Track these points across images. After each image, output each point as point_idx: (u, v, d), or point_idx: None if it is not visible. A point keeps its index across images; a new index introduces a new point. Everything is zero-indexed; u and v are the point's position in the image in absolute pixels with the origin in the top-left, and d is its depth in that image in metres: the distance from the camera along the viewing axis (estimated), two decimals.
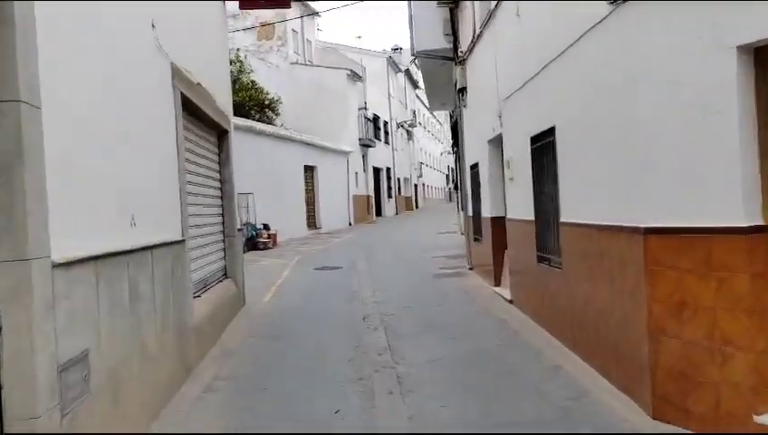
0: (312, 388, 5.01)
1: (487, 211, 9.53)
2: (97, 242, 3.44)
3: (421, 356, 5.82)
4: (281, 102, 22.98)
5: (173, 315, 5.01)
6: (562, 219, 5.66)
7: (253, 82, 21.78)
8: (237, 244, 8.79)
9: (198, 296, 6.50)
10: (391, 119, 38.18)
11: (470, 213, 11.62)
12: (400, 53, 45.42)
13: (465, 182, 11.90)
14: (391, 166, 37.70)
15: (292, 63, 27.63)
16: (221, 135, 8.55)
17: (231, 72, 20.00)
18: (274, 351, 6.31)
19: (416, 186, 48.77)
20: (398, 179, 40.26)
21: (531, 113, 6.63)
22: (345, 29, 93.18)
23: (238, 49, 21.90)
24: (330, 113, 27.35)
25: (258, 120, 20.72)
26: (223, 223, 8.48)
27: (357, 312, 8.21)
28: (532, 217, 6.77)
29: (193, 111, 6.64)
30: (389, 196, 37.06)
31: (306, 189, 23.40)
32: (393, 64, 39.26)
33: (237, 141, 17.98)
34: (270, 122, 21.98)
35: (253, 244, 17.50)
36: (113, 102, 3.93)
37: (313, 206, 24.14)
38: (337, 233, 23.78)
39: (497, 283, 9.24)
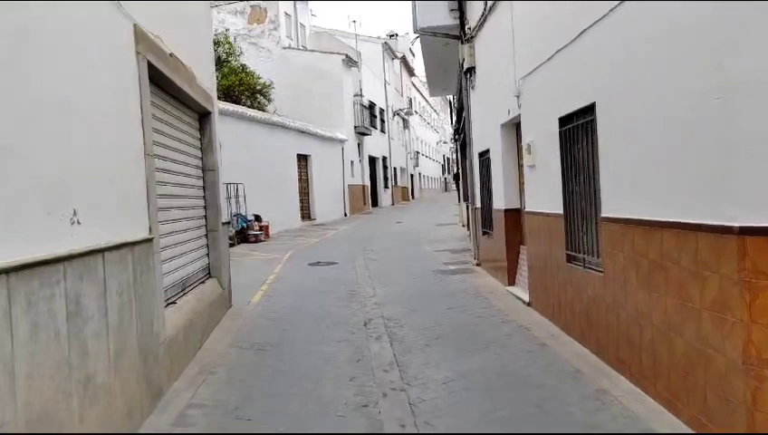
0: (307, 417, 4.12)
1: (500, 203, 8.63)
2: (11, 249, 2.51)
3: (435, 375, 4.92)
4: (273, 88, 21.93)
5: (136, 332, 4.09)
6: (604, 214, 4.76)
7: (243, 65, 20.72)
8: (223, 239, 7.86)
9: (173, 303, 5.59)
10: (387, 106, 37.17)
11: (477, 205, 10.72)
12: (396, 39, 44.33)
13: (472, 171, 10.98)
14: (387, 155, 36.73)
15: (284, 48, 26.55)
16: (203, 117, 7.59)
17: (218, 54, 18.97)
18: (262, 367, 5.41)
19: (412, 175, 47.83)
20: (395, 169, 39.31)
21: (560, 90, 5.71)
22: (340, 14, 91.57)
23: (227, 29, 20.80)
24: (324, 100, 26.34)
25: (249, 107, 19.71)
26: (206, 216, 7.54)
27: (357, 315, 7.31)
28: (559, 210, 5.87)
29: (165, 86, 5.69)
30: (386, 186, 36.12)
31: (300, 179, 22.45)
32: (389, 50, 38.18)
33: (226, 128, 17.00)
34: (262, 109, 20.97)
35: (243, 236, 16.57)
36: (47, 65, 2.99)
37: (307, 196, 23.19)
38: (332, 224, 22.85)
39: (511, 282, 8.36)
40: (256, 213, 17.70)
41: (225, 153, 17.08)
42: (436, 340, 6.03)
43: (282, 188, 20.30)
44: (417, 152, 50.83)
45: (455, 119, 19.50)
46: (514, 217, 8.33)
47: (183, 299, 6.00)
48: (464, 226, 18.49)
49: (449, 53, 12.55)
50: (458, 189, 38.49)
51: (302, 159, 22.83)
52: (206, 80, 7.43)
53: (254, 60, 24.22)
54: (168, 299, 5.41)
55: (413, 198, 46.90)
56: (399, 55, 42.06)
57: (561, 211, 5.82)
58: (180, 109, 6.63)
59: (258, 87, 21.00)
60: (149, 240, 4.53)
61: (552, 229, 6.12)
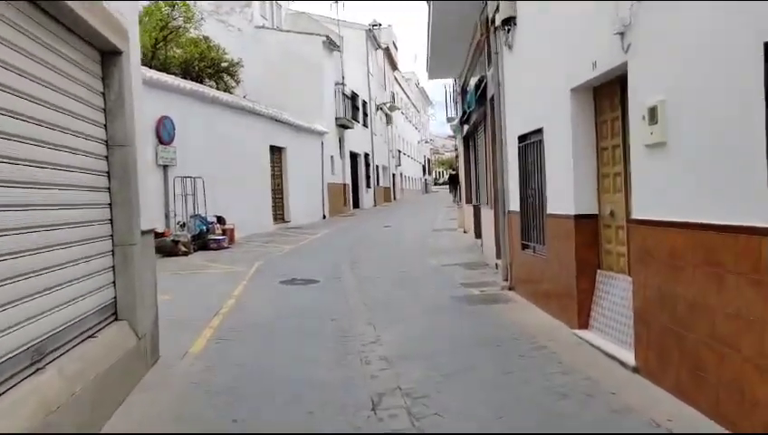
0: None
1: (563, 205, 5.86)
2: None
3: None
4: (241, 66, 18.86)
5: None
6: None
7: (206, 38, 17.63)
8: (144, 257, 4.93)
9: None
10: (371, 99, 34.32)
11: (511, 207, 7.94)
12: (380, 29, 41.52)
13: (503, 163, 8.20)
14: (370, 151, 33.87)
15: (257, 27, 23.52)
16: (109, 59, 4.65)
17: (172, 17, 16.00)
18: None
19: (393, 175, 45.04)
20: (377, 167, 36.47)
21: None
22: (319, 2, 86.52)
23: None
24: (302, 87, 23.38)
25: (215, 89, 16.67)
26: (111, 221, 4.63)
27: (357, 385, 4.46)
28: (744, 219, 3.11)
29: None
30: (368, 185, 33.26)
31: (273, 175, 19.46)
32: (373, 39, 35.35)
33: (183, 111, 13.96)
34: (228, 91, 17.94)
35: (202, 243, 13.57)
36: None
37: (281, 195, 20.21)
38: (309, 228, 19.91)
39: (583, 323, 5.58)
40: (219, 214, 14.70)
41: (181, 141, 14.08)
42: None
43: (251, 185, 17.31)
44: (400, 151, 48.11)
45: (458, 105, 16.78)
46: (589, 227, 5.57)
47: (43, 375, 3.11)
48: (466, 232, 15.78)
49: (461, 22, 9.90)
50: (455, 190, 35.96)
51: (276, 152, 19.85)
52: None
53: (222, 39, 21.14)
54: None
55: (395, 199, 44.13)
56: (384, 46, 39.25)
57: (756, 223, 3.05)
58: (58, 37, 3.73)
59: (224, 64, 17.89)
60: None
61: (714, 254, 3.36)
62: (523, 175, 7.37)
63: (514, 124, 7.67)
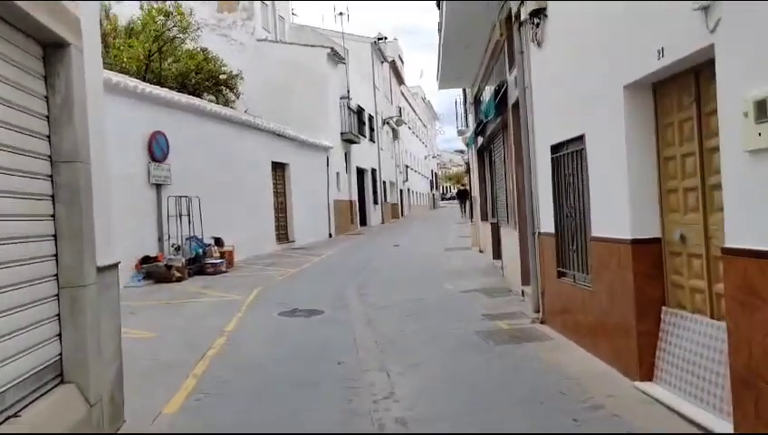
0: None
1: (615, 227, 4.83)
2: None
3: None
4: (241, 78, 18.00)
5: None
6: None
7: (204, 50, 16.79)
8: (99, 300, 3.93)
9: None
10: (377, 113, 33.47)
11: (541, 228, 6.93)
12: (385, 43, 40.83)
13: (531, 177, 7.19)
14: (377, 167, 32.95)
15: (259, 40, 22.76)
16: (51, 52, 3.70)
17: (167, 27, 15.18)
18: None
19: (401, 191, 44.11)
20: (384, 183, 35.53)
21: None
22: (324, 11, 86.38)
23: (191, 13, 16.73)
24: (306, 101, 22.54)
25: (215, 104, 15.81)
26: (56, 257, 3.65)
27: None
28: None
29: None
30: (375, 201, 32.28)
31: (276, 193, 18.53)
32: (378, 52, 34.60)
33: (177, 125, 13.07)
34: (228, 105, 17.08)
35: (199, 267, 12.58)
36: None
37: (284, 213, 19.25)
38: (315, 248, 18.91)
39: (646, 373, 4.53)
40: (217, 235, 13.74)
41: (176, 158, 13.17)
42: None
43: (252, 204, 16.37)
44: (407, 166, 47.22)
45: (468, 117, 15.85)
46: (651, 254, 4.54)
47: None
48: (482, 251, 14.75)
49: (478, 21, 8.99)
50: (464, 206, 34.89)
51: (279, 169, 18.93)
52: None
53: (223, 53, 20.35)
54: None
55: (402, 215, 43.15)
56: (390, 59, 38.53)
57: None
58: None
59: (222, 76, 17.01)
60: None
61: None
62: (557, 191, 6.36)
63: (545, 132, 6.67)
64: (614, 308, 4.92)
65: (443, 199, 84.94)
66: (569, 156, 5.94)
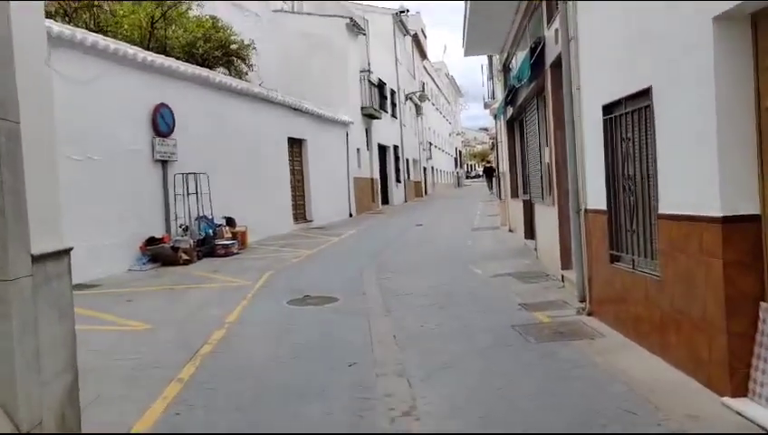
0: None
1: (696, 199, 3.81)
2: None
3: None
4: (253, 48, 17.01)
5: None
6: None
7: (213, 18, 15.81)
8: (37, 299, 3.07)
9: None
10: (399, 88, 32.26)
11: (589, 204, 5.90)
12: (407, 16, 39.40)
13: (574, 146, 6.14)
14: (399, 144, 31.84)
15: (275, 11, 21.73)
16: None
17: None
18: None
19: (424, 169, 42.94)
20: (407, 160, 34.43)
21: None
22: None
23: None
24: (325, 74, 21.52)
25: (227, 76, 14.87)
26: None
27: None
28: None
29: None
30: (398, 179, 31.24)
31: (293, 170, 17.66)
32: (401, 24, 33.27)
33: (183, 98, 12.16)
34: (240, 78, 16.14)
35: (209, 249, 11.81)
36: None
37: (302, 192, 18.39)
38: (334, 228, 18.06)
39: (738, 385, 3.53)
40: (229, 215, 12.94)
41: (182, 133, 12.33)
42: None
43: (267, 182, 15.53)
44: (430, 143, 45.98)
45: (496, 87, 14.72)
46: (747, 237, 3.52)
47: None
48: (512, 231, 13.72)
49: None
50: (491, 183, 33.55)
51: (296, 145, 18.04)
52: None
53: (237, 25, 19.38)
54: None
55: (426, 193, 42.07)
56: (412, 33, 37.15)
57: None
58: None
59: (234, 46, 16.02)
60: None
61: None
62: (610, 160, 5.31)
63: (594, 91, 5.61)
64: (693, 303, 3.91)
65: (467, 178, 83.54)
66: (627, 116, 4.88)
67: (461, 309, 6.64)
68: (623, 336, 5.07)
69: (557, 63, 6.83)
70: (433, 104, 49.96)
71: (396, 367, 4.71)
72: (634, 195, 4.88)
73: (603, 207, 5.45)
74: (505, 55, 12.81)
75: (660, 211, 4.34)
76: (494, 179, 45.34)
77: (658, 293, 4.41)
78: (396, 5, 38.81)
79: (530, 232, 11.19)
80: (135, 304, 7.63)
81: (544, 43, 7.79)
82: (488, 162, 46.86)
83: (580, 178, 6.14)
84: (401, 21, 33.11)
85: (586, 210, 6.01)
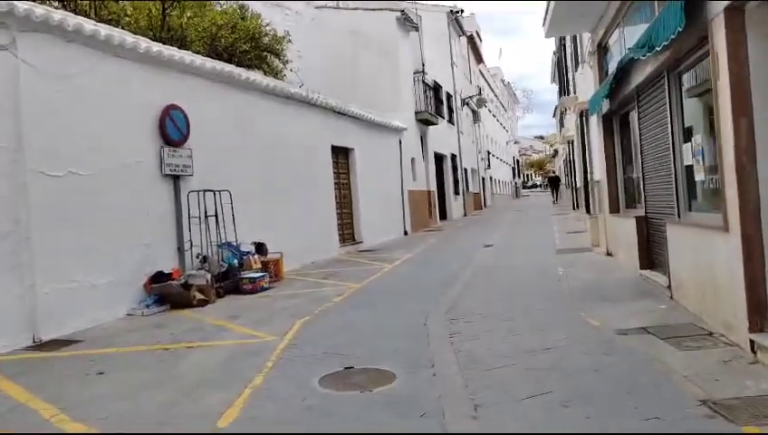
0: None
1: None
2: None
3: None
4: (288, 41, 14.80)
5: None
6: None
7: (241, 8, 13.69)
8: None
9: None
10: (455, 92, 29.67)
11: None
12: (462, 16, 36.84)
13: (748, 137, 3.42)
14: (457, 153, 29.18)
15: (317, 8, 19.62)
16: None
17: None
18: None
19: (483, 179, 40.06)
20: (465, 170, 31.71)
21: None
22: None
23: None
24: (374, 76, 19.22)
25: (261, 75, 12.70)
26: None
27: None
28: None
29: None
30: (456, 191, 28.56)
31: (338, 184, 15.32)
32: (455, 23, 30.75)
33: (199, 99, 9.32)
34: (276, 77, 13.96)
35: (234, 284, 9.51)
36: None
37: (349, 209, 16.03)
38: (386, 250, 15.56)
39: None
40: (259, 240, 10.64)
41: (199, 141, 9.85)
42: None
43: (306, 198, 13.22)
44: (489, 152, 43.08)
45: (590, 70, 12.00)
46: None
47: None
48: (610, 254, 10.89)
49: None
50: (557, 193, 30.27)
51: (341, 155, 15.72)
52: None
53: (278, 26, 17.37)
54: None
55: (485, 205, 39.14)
56: (468, 33, 34.56)
57: None
58: None
59: (265, 39, 13.81)
60: None
61: None
62: None
63: None
64: None
65: (524, 188, 79.93)
66: None
67: (596, 407, 3.97)
68: None
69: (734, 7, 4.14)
70: (490, 111, 47.08)
71: None
72: None
73: None
74: (602, 32, 10.07)
75: None
76: (557, 189, 42.38)
77: None
78: (449, 5, 36.21)
79: (647, 260, 8.39)
80: (102, 381, 5.33)
81: None
82: (552, 172, 43.69)
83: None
84: (456, 20, 30.59)
85: None
